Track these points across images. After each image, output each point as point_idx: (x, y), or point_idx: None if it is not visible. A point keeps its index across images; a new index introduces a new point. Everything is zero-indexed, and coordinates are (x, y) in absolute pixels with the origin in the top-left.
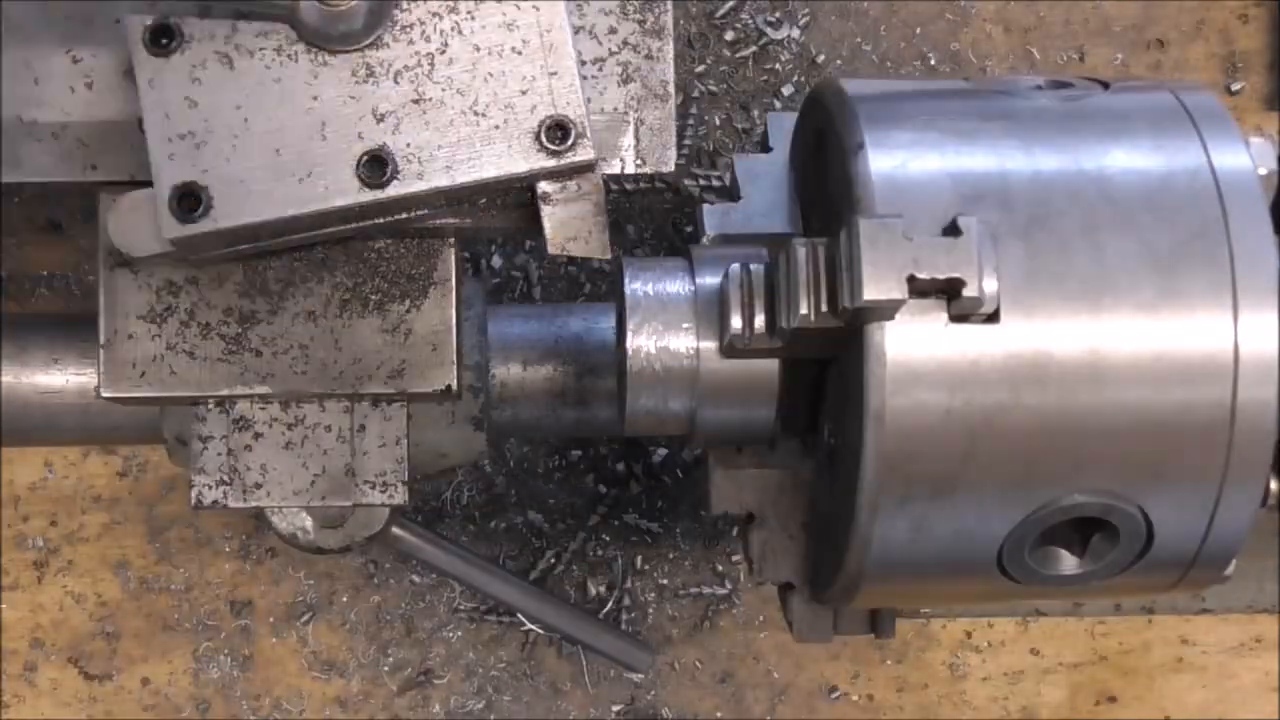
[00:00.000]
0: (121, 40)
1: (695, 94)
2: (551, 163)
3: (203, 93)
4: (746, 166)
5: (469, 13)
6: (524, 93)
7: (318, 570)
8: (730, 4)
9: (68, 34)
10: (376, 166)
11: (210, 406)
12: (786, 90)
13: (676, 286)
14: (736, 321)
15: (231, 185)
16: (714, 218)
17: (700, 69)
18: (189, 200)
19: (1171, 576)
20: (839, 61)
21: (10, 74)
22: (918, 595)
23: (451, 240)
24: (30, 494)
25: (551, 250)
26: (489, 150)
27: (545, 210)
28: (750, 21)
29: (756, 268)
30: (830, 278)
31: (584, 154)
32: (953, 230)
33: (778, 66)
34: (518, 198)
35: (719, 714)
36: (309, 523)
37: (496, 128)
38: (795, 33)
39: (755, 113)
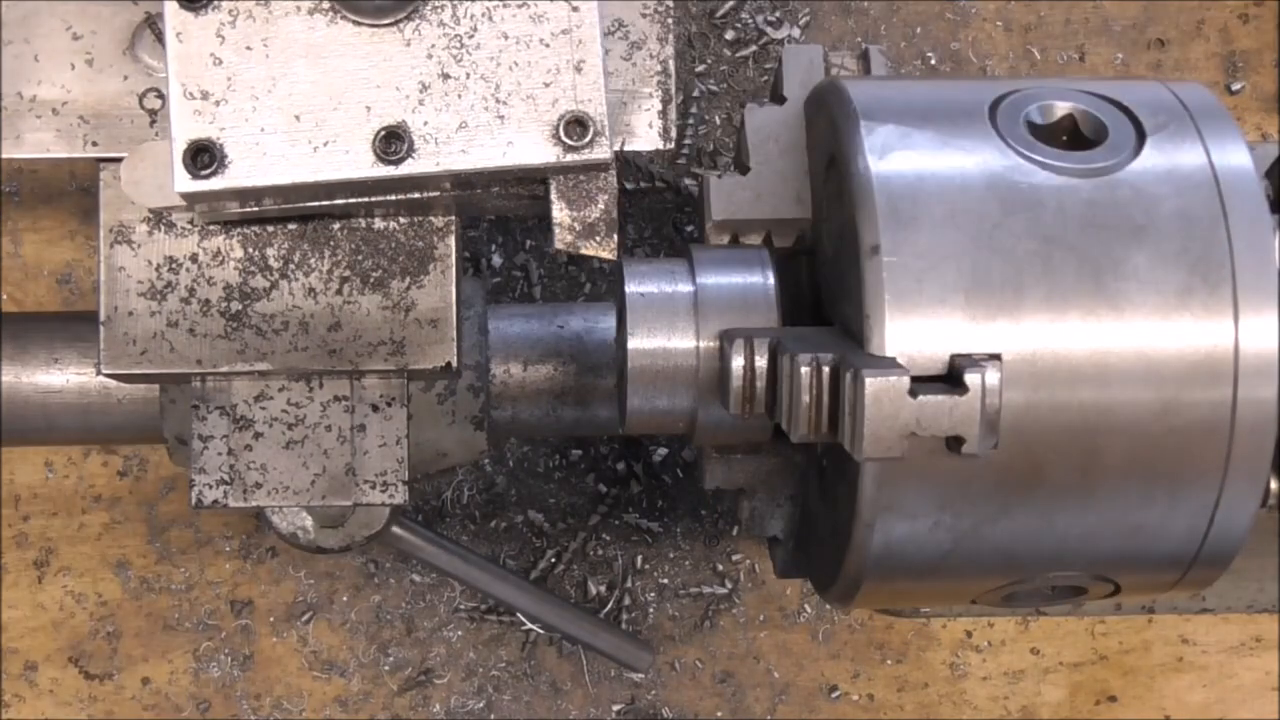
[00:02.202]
0: (121, 16)
1: (695, 94)
2: (568, 157)
3: (229, 51)
4: (757, 125)
5: (501, 1)
6: (547, 85)
7: (318, 570)
8: (730, 4)
9: (68, 11)
10: (393, 142)
11: (211, 407)
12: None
13: (676, 287)
14: (734, 408)
15: (248, 146)
16: (720, 198)
17: (700, 69)
18: (204, 156)
19: (1171, 576)
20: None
21: (11, 51)
22: (917, 596)
23: (452, 219)
24: (30, 494)
25: (559, 246)
26: (507, 138)
27: (556, 205)
28: (750, 21)
29: (761, 345)
30: (833, 404)
31: (601, 152)
32: (958, 382)
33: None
34: (529, 187)
35: (719, 714)
36: (309, 522)
37: (516, 117)
38: (795, 32)
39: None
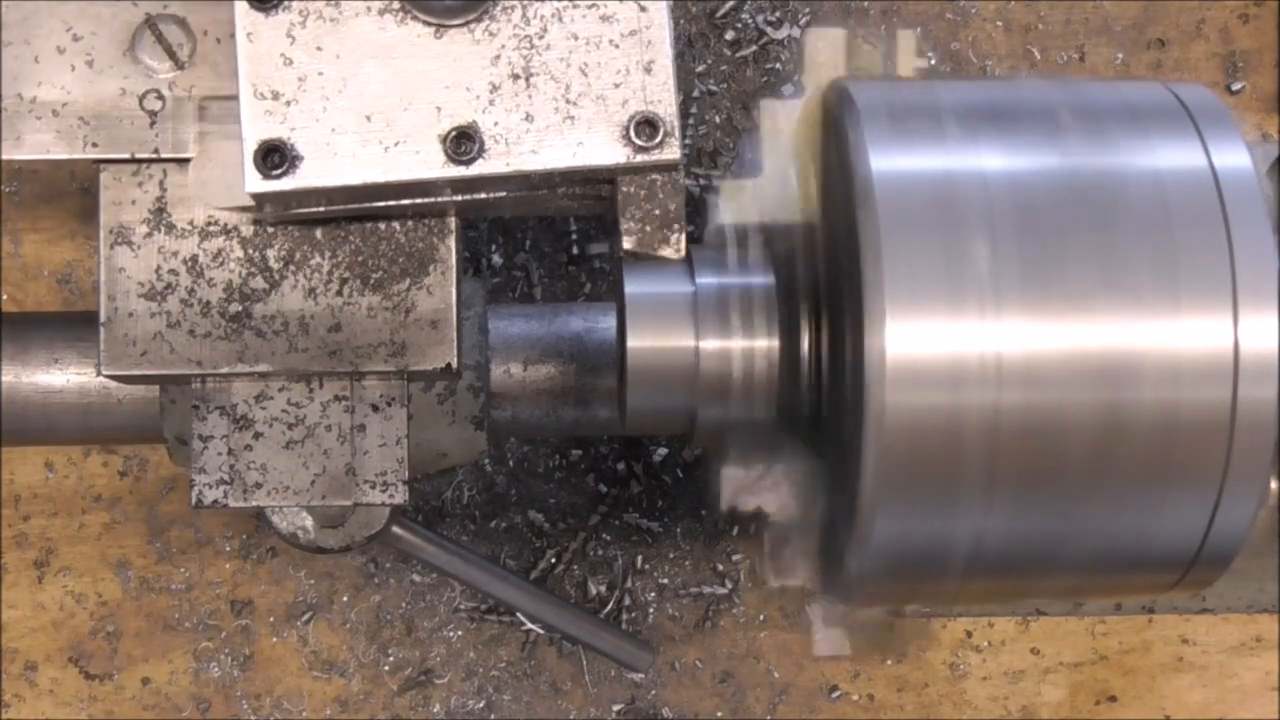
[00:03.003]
0: (121, 17)
1: (695, 94)
2: (638, 158)
3: (299, 51)
4: (771, 122)
5: (571, 2)
6: (617, 86)
7: (318, 570)
8: (730, 4)
9: (68, 12)
10: (464, 142)
11: (211, 407)
12: (786, 90)
13: (676, 287)
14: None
15: (318, 146)
16: (726, 203)
17: (700, 69)
18: (274, 156)
19: (1171, 576)
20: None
21: (11, 52)
22: (917, 596)
23: (453, 219)
24: (30, 494)
25: (626, 247)
26: (577, 139)
27: (624, 207)
28: (750, 21)
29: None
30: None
31: (670, 153)
32: None
33: (778, 66)
34: (597, 188)
35: (719, 714)
36: (309, 522)
37: (586, 118)
38: (795, 32)
39: (755, 113)
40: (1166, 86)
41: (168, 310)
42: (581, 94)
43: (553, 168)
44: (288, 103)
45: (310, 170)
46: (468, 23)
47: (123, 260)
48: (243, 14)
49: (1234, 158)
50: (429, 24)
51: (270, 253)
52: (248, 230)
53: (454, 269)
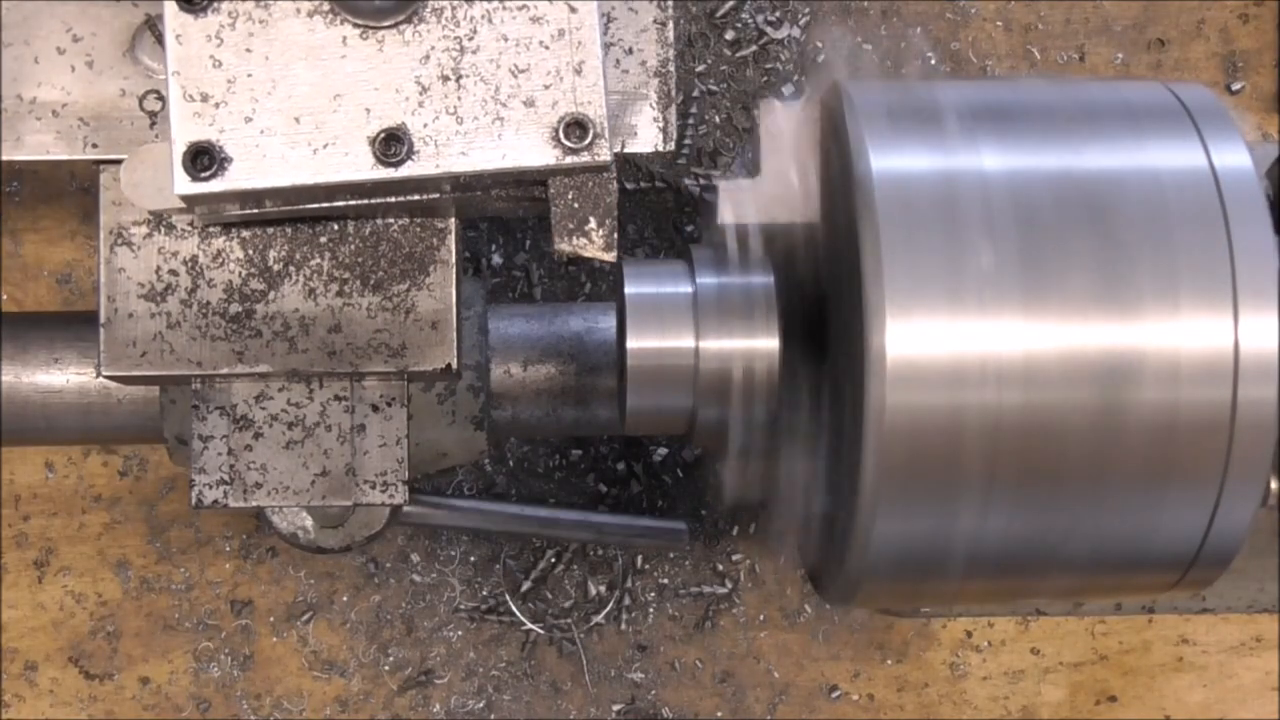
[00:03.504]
0: (121, 18)
1: (695, 94)
2: (568, 160)
3: (228, 54)
4: (771, 123)
5: (501, 3)
6: (547, 87)
7: (318, 570)
8: (730, 4)
9: (68, 13)
10: (393, 144)
11: (211, 408)
12: (786, 90)
13: (676, 288)
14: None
15: (247, 148)
16: (725, 203)
17: (700, 69)
18: (203, 159)
19: (1171, 576)
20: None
21: (11, 53)
22: (917, 596)
23: (453, 220)
24: (30, 494)
25: (558, 247)
26: (506, 141)
27: (556, 208)
28: (750, 21)
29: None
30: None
31: (601, 154)
32: None
33: (778, 66)
34: (530, 189)
35: (719, 714)
36: (309, 522)
37: (516, 119)
38: (795, 32)
39: (756, 112)
40: (1166, 86)
41: (168, 311)
42: (511, 96)
43: (482, 169)
44: (217, 105)
45: (239, 172)
46: (397, 24)
47: (123, 261)
48: (172, 15)
49: (1234, 158)
50: (358, 25)
51: (270, 253)
52: (248, 231)
53: (454, 269)
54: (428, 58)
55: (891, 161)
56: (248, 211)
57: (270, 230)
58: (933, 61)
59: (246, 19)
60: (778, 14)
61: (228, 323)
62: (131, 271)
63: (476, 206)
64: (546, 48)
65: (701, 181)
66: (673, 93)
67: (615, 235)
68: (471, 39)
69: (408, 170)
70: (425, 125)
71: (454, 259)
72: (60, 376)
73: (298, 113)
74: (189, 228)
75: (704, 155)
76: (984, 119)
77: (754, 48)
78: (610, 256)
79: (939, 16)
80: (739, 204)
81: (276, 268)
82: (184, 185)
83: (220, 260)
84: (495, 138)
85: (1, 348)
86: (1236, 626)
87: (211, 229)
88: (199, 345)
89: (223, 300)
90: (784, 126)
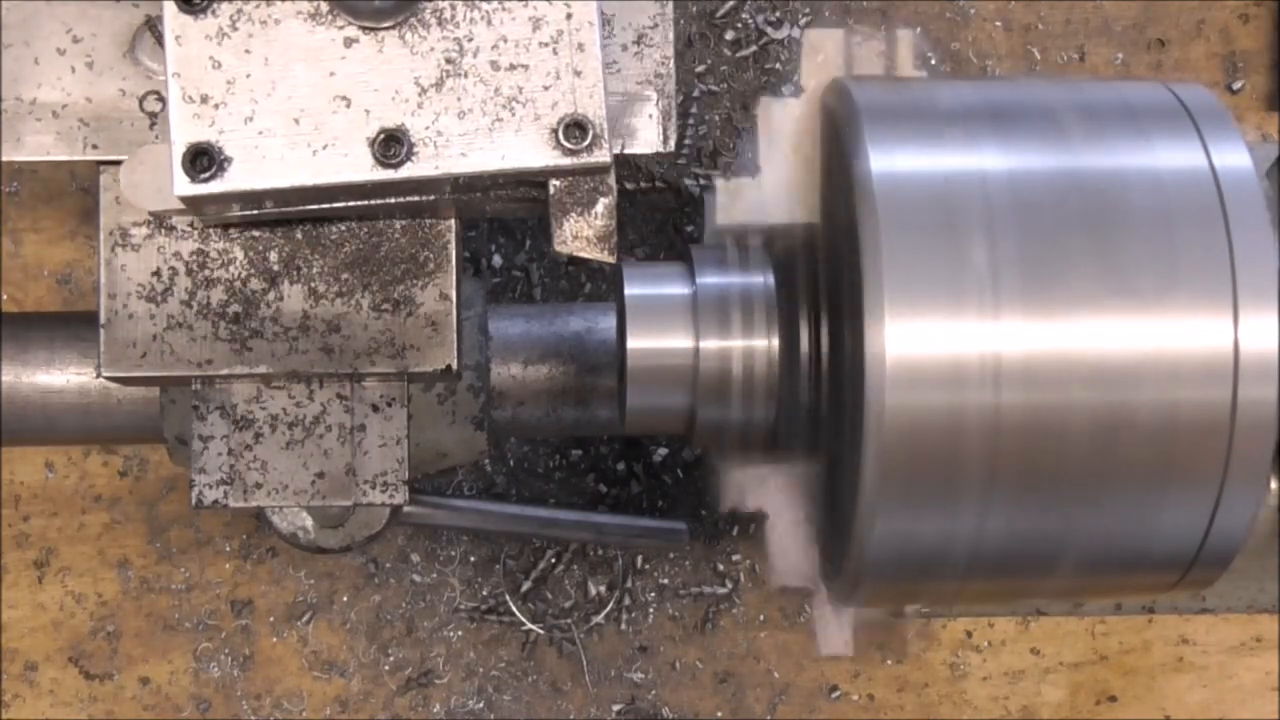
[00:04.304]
0: (121, 19)
1: (695, 94)
2: (567, 161)
3: (228, 55)
4: (770, 121)
5: (500, 4)
6: (546, 89)
7: (318, 570)
8: (730, 4)
9: (68, 13)
10: (392, 145)
11: (211, 407)
12: (786, 90)
13: (676, 289)
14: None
15: (247, 149)
16: (724, 203)
17: (700, 69)
18: (203, 160)
19: (1171, 577)
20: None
21: (11, 54)
22: (918, 596)
23: (453, 221)
24: (30, 494)
25: (558, 249)
26: (506, 142)
27: (555, 209)
28: (750, 21)
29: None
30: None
31: (600, 155)
32: None
33: (778, 66)
34: (529, 190)
35: (719, 714)
36: (309, 522)
37: (515, 120)
38: (795, 32)
39: (756, 112)
40: (1166, 87)
41: (168, 312)
42: (510, 97)
43: (481, 170)
44: (216, 106)
45: (239, 173)
46: (397, 25)
47: (123, 261)
48: (171, 16)
49: (1234, 158)
50: (358, 26)
51: (270, 254)
52: (248, 232)
53: (454, 270)
54: (427, 59)
55: (891, 161)
56: (248, 212)
57: (270, 231)
58: (933, 61)
59: (246, 20)
60: (778, 14)
61: (228, 323)
62: (132, 272)
63: (476, 207)
64: (546, 49)
65: (701, 182)
66: (672, 93)
67: (615, 236)
68: (471, 40)
69: (407, 171)
70: (425, 126)
71: (454, 260)
72: (60, 376)
73: (297, 114)
74: (189, 228)
75: (704, 155)
76: (984, 119)
77: (754, 48)
78: (610, 257)
79: (939, 16)
80: (739, 204)
81: (276, 268)
82: (184, 186)
83: (221, 261)
84: (494, 139)
85: (1, 348)
86: (1236, 626)
87: (212, 230)
88: (199, 346)
89: (223, 301)
90: (783, 127)
